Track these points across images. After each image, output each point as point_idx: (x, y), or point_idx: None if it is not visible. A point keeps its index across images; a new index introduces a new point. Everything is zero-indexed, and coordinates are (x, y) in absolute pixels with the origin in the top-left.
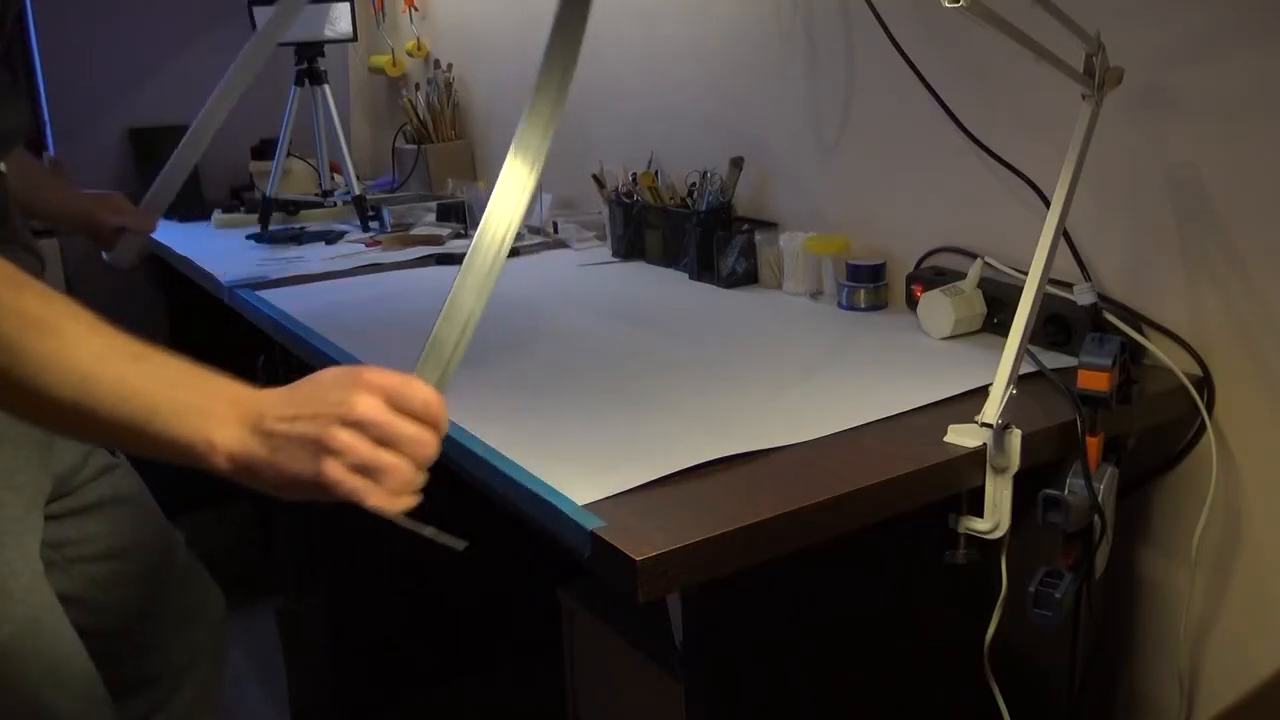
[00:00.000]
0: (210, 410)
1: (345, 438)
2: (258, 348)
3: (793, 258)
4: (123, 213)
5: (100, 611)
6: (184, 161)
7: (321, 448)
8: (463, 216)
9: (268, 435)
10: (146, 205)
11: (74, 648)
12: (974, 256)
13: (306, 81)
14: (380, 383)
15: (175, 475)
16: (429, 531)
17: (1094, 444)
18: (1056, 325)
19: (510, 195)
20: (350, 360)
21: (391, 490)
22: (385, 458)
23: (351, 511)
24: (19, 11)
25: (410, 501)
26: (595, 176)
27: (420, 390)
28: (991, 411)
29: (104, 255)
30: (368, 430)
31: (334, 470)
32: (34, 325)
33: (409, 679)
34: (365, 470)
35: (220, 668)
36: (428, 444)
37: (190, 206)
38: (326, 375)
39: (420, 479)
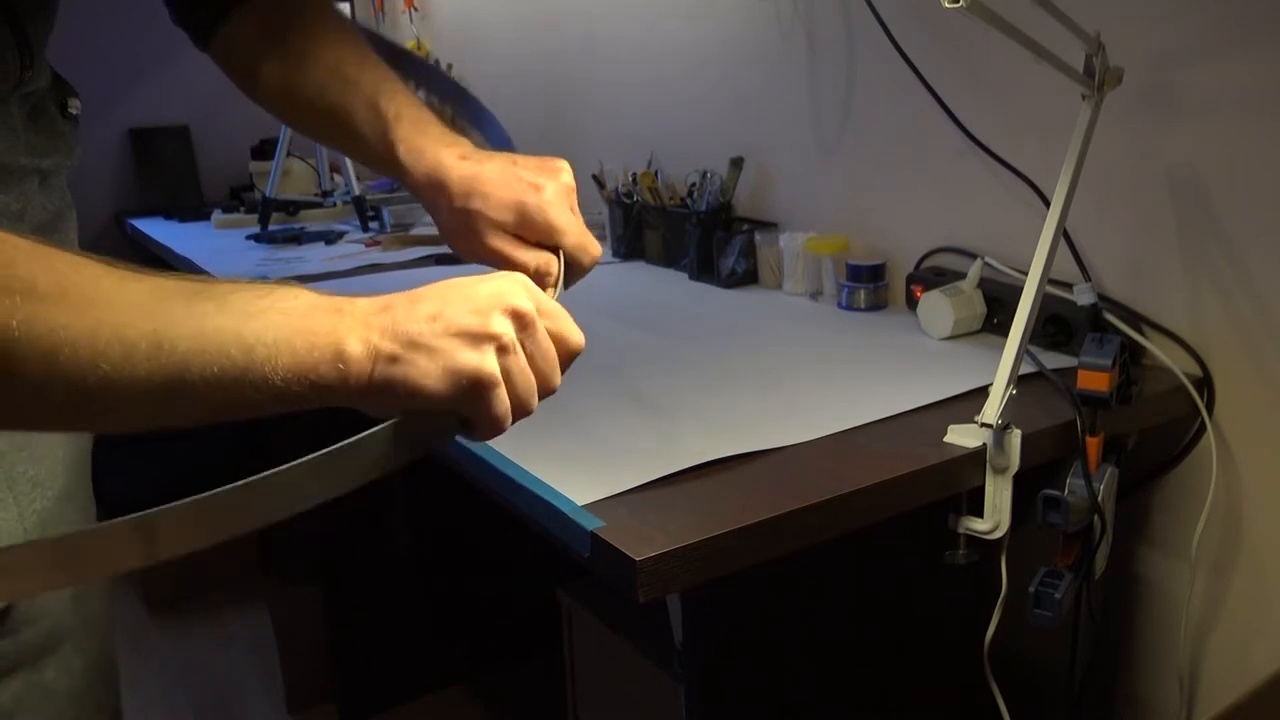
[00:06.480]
0: (319, 327)
1: (505, 323)
2: None
3: (793, 258)
4: None
5: None
6: None
7: (480, 337)
8: None
9: (406, 332)
10: None
11: None
12: (974, 256)
13: None
14: (530, 286)
15: (173, 475)
16: None
17: (1094, 444)
18: (1056, 325)
19: None
20: None
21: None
22: (525, 361)
23: (349, 509)
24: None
25: (503, 429)
26: (595, 176)
27: (565, 317)
28: (991, 412)
29: None
30: (524, 325)
31: (492, 362)
32: (73, 302)
33: (407, 679)
34: (510, 371)
35: None
36: (555, 369)
37: (190, 207)
38: (446, 283)
39: (531, 406)
